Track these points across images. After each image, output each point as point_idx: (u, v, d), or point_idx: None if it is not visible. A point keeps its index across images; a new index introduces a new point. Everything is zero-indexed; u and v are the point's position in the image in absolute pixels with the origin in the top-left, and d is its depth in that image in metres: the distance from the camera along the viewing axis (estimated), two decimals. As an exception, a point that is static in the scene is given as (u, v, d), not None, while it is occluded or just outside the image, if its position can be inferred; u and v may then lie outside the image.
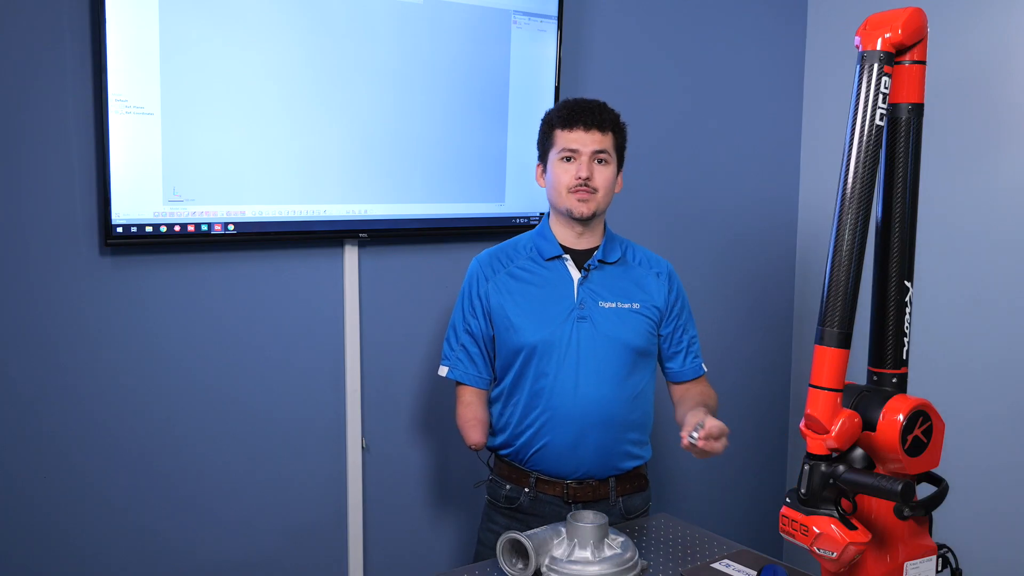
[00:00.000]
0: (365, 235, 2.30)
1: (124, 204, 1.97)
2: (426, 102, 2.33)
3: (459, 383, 2.00)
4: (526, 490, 1.93)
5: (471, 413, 1.96)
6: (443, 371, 2.00)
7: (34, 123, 1.92)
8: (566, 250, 1.94)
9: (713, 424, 1.70)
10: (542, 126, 1.95)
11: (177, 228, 2.04)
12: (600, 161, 1.88)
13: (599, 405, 1.87)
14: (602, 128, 1.87)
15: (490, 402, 2.01)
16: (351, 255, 2.33)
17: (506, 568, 1.61)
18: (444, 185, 2.39)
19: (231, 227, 2.11)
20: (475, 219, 2.45)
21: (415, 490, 2.51)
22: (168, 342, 2.12)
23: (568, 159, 1.87)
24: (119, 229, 1.97)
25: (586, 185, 1.86)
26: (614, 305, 1.91)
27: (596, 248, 1.95)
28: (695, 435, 1.69)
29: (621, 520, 1.92)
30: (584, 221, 1.90)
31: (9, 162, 1.91)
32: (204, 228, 2.07)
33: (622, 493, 1.94)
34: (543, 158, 1.95)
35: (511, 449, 1.94)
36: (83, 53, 1.95)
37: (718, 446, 1.70)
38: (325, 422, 2.34)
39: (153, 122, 1.98)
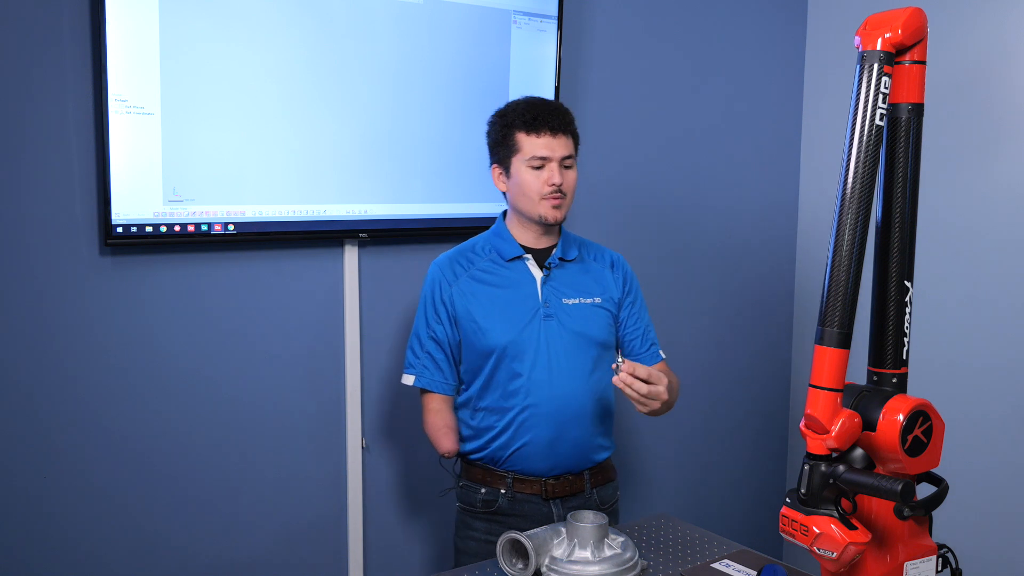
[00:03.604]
0: (365, 235, 2.30)
1: (124, 204, 1.97)
2: (426, 102, 2.33)
3: (425, 391, 1.98)
4: (503, 491, 1.92)
5: (441, 420, 1.95)
6: (408, 380, 1.97)
7: (34, 123, 1.92)
8: (526, 250, 1.94)
9: (642, 369, 1.69)
10: (498, 127, 1.91)
11: (177, 228, 2.04)
12: (567, 166, 1.88)
13: (574, 400, 1.89)
14: (566, 132, 1.87)
15: (455, 408, 1.99)
16: (351, 255, 2.33)
17: (506, 568, 1.61)
18: (444, 185, 2.39)
19: (231, 227, 2.11)
20: (475, 219, 2.45)
21: (415, 490, 2.51)
22: (168, 342, 2.11)
23: (539, 167, 1.86)
24: (119, 229, 1.97)
25: (559, 192, 1.86)
26: (577, 301, 1.93)
27: (553, 247, 1.95)
28: (620, 359, 1.68)
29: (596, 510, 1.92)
30: (552, 224, 1.91)
31: (9, 162, 1.91)
32: (204, 228, 2.07)
33: (595, 484, 1.97)
34: (503, 162, 1.91)
35: (485, 452, 1.93)
36: (83, 53, 1.95)
37: (642, 388, 1.68)
38: (325, 422, 2.34)
39: (153, 122, 1.98)
